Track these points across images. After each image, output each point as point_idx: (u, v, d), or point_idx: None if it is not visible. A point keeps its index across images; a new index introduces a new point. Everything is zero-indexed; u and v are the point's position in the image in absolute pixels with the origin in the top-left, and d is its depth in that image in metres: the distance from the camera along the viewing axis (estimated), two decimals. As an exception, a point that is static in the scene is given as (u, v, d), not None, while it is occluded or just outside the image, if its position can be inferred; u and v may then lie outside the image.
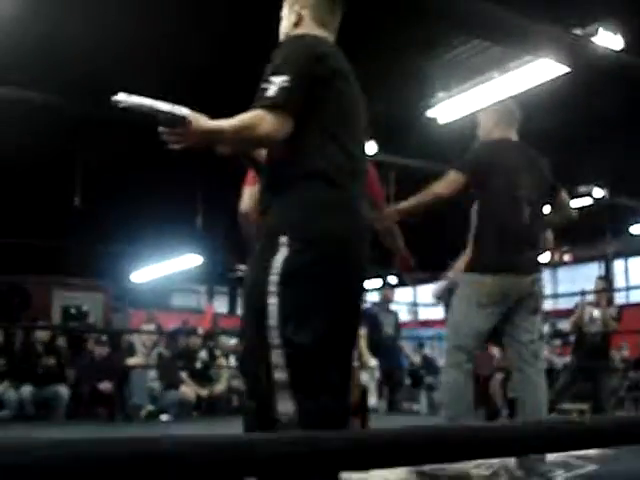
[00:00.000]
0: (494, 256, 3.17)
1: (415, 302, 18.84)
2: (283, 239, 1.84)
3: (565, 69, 5.84)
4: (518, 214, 3.20)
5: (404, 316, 20.44)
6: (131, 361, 8.15)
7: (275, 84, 1.87)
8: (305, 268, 1.82)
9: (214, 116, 1.91)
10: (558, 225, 3.65)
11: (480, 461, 3.24)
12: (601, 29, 5.85)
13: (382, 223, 2.94)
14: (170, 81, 6.48)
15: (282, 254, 1.82)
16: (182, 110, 1.80)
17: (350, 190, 1.95)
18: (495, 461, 3.36)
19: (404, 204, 3.21)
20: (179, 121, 1.77)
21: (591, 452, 3.65)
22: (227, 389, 8.36)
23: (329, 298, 1.85)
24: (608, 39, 5.77)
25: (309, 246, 1.83)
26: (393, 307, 9.17)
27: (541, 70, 6.14)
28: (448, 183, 3.26)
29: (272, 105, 1.85)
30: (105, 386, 7.78)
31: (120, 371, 7.98)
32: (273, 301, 1.80)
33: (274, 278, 1.81)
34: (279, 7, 2.27)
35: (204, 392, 7.98)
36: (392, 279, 11.15)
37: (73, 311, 13.71)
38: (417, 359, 10.73)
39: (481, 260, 3.21)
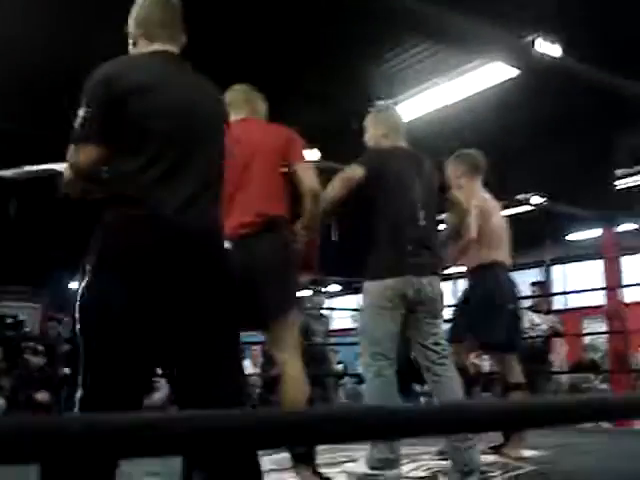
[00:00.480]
0: (391, 259, 3.18)
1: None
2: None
3: (506, 76, 5.98)
4: (412, 216, 3.24)
5: (348, 323, 20.52)
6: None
7: (78, 117, 1.96)
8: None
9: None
10: (457, 226, 3.66)
11: (418, 463, 3.24)
12: (540, 39, 5.98)
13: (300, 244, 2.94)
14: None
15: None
16: (52, 166, 2.09)
17: (148, 204, 1.90)
18: (432, 463, 3.37)
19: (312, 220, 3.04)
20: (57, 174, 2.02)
21: (528, 453, 3.70)
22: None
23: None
24: (546, 48, 5.90)
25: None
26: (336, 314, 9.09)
27: (483, 77, 6.24)
28: (358, 175, 3.25)
29: (76, 139, 1.95)
30: (42, 396, 7.66)
31: (57, 380, 7.82)
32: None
33: None
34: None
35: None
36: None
37: (9, 320, 13.35)
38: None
39: (379, 265, 3.22)
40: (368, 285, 3.27)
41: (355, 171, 3.25)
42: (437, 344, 3.22)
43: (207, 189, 2.04)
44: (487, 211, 3.84)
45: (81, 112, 1.95)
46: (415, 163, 3.39)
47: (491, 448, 3.70)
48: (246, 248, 2.71)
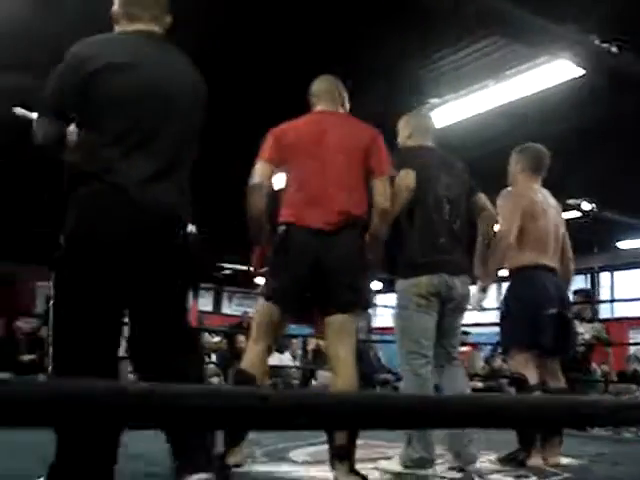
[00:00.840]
0: (424, 257, 3.24)
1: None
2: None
3: (558, 80, 5.90)
4: (441, 211, 3.30)
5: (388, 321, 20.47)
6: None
7: (49, 87, 2.17)
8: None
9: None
10: (486, 234, 3.65)
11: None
12: (597, 41, 5.88)
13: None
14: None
15: None
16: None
17: (115, 178, 2.09)
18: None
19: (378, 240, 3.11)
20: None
21: (565, 460, 3.67)
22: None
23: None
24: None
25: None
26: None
27: (535, 80, 6.16)
28: (413, 179, 3.27)
29: (42, 110, 2.17)
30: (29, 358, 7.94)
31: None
32: None
33: None
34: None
35: (184, 389, 7.95)
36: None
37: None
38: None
39: (411, 263, 3.27)
40: (401, 283, 3.31)
41: (409, 177, 3.25)
42: (452, 346, 3.39)
43: (172, 166, 2.20)
44: (534, 213, 3.76)
45: (52, 83, 2.16)
46: (441, 161, 3.44)
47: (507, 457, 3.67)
48: (325, 242, 2.82)
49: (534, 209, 3.77)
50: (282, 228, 2.89)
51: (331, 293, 2.83)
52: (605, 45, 5.70)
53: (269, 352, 3.04)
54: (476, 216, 3.55)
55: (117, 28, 2.34)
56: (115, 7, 2.34)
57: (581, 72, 4.86)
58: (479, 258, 3.68)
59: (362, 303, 2.99)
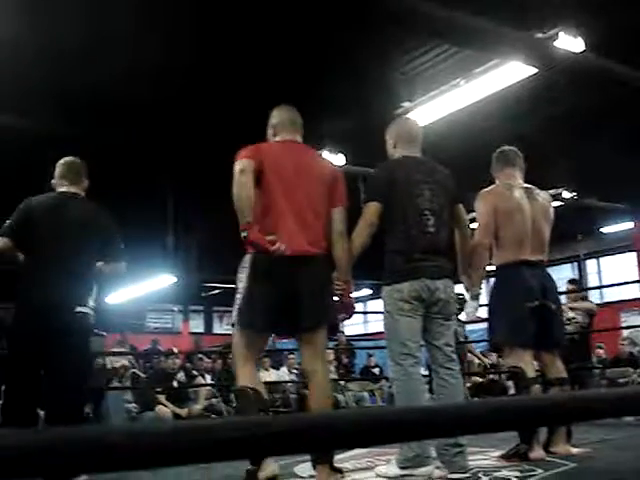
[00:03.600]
0: (403, 265, 3.31)
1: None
2: None
3: (528, 73, 5.95)
4: (422, 223, 3.34)
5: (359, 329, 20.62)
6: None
7: (8, 221, 3.61)
8: None
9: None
10: (463, 248, 3.71)
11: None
12: (562, 33, 5.94)
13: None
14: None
15: None
16: None
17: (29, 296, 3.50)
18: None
19: (346, 268, 3.26)
20: None
21: (575, 450, 3.67)
22: (205, 408, 8.28)
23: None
24: (569, 42, 5.86)
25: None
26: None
27: (506, 75, 6.20)
28: (374, 213, 3.36)
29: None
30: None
31: (96, 393, 7.88)
32: None
33: None
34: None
35: (183, 412, 7.90)
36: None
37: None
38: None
39: (393, 271, 3.35)
40: (385, 290, 3.39)
41: (371, 211, 3.36)
42: (447, 345, 3.38)
43: (69, 274, 3.44)
44: (508, 210, 3.79)
45: (9, 220, 3.53)
46: (425, 171, 3.46)
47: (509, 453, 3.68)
48: (297, 269, 2.94)
49: (508, 206, 3.80)
50: (251, 256, 2.97)
51: (304, 312, 2.94)
52: (563, 43, 5.79)
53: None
54: (454, 226, 3.60)
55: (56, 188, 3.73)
56: (54, 180, 3.73)
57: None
58: (461, 270, 3.77)
59: (332, 319, 3.13)
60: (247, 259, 3.00)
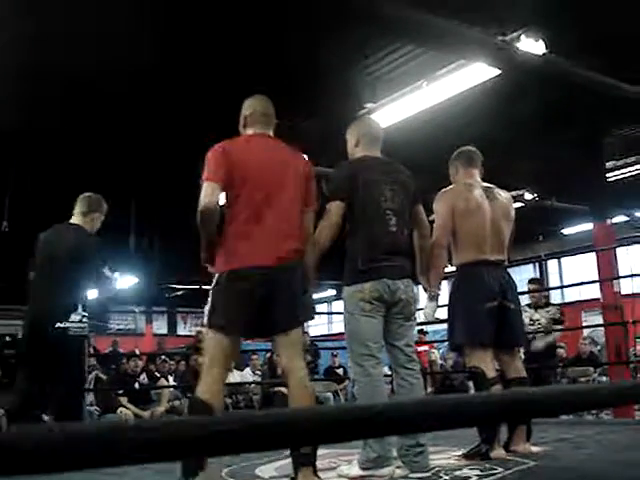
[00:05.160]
0: (365, 264, 3.30)
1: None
2: None
3: (491, 75, 6.00)
4: (384, 223, 3.35)
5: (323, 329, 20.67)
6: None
7: None
8: None
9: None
10: (422, 249, 3.72)
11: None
12: (523, 36, 6.01)
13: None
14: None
15: None
16: None
17: None
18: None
19: (314, 262, 3.24)
20: None
21: (536, 449, 3.70)
22: (168, 409, 8.20)
23: None
24: (531, 45, 5.92)
25: None
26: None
27: (468, 77, 6.25)
28: (338, 213, 3.36)
29: None
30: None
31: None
32: None
33: None
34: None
35: (145, 413, 7.81)
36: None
37: (7, 339, 13.32)
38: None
39: (354, 271, 3.34)
40: (347, 290, 3.38)
41: (334, 211, 3.35)
42: (408, 345, 3.40)
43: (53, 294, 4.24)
44: (466, 210, 3.78)
45: None
46: (387, 171, 3.47)
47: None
48: (277, 272, 2.88)
49: (467, 206, 3.79)
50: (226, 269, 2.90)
51: (280, 314, 2.89)
52: (525, 45, 5.86)
53: (227, 373, 3.05)
54: (414, 227, 3.60)
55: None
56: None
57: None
58: (420, 271, 3.77)
59: (308, 316, 3.10)
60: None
